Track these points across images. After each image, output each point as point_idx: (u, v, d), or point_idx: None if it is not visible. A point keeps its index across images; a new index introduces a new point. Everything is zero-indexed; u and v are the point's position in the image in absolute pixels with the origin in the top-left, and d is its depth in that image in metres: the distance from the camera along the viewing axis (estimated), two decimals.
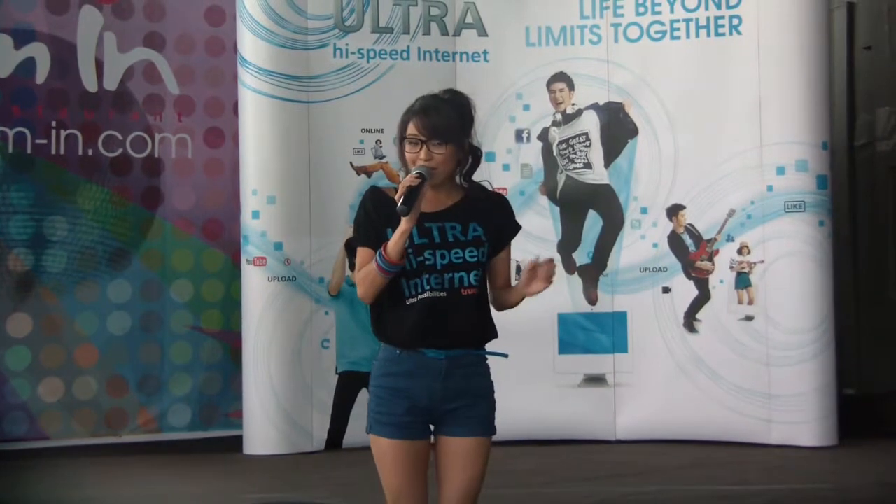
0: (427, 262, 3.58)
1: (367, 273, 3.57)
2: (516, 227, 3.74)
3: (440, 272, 3.58)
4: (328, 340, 7.12)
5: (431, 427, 3.65)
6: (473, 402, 3.64)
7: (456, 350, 3.61)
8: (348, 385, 7.15)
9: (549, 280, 3.57)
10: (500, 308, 3.73)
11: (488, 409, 3.68)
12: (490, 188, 3.75)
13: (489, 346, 3.70)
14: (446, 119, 3.59)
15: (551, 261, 3.61)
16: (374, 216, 3.61)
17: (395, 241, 3.51)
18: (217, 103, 7.86)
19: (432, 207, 3.61)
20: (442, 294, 3.58)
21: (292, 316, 7.03)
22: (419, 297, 3.58)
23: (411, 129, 3.60)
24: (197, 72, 7.82)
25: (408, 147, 3.60)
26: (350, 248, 3.86)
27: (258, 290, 7.02)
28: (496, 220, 3.68)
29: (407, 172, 3.59)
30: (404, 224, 3.49)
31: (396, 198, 3.49)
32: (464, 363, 3.62)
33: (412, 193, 3.47)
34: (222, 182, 7.79)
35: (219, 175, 7.83)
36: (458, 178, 3.67)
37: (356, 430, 6.78)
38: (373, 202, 3.63)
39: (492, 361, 3.70)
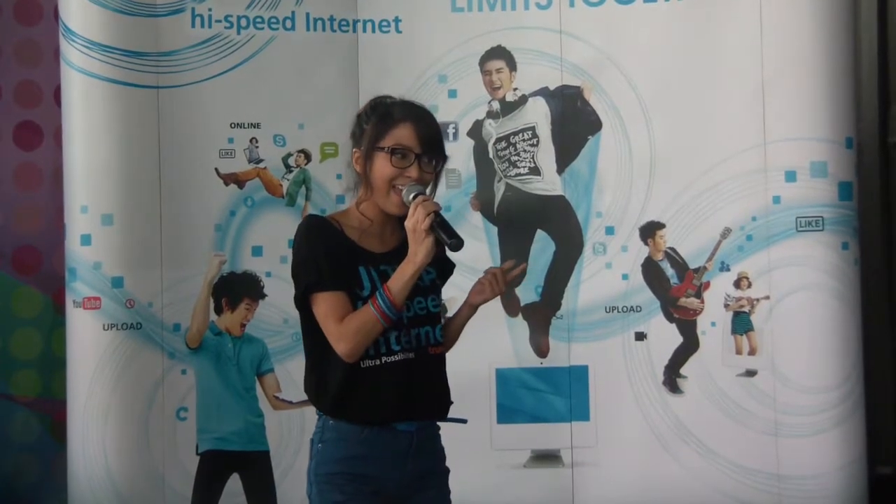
0: None
1: (362, 323, 3.38)
2: (452, 265, 3.74)
3: (407, 327, 3.49)
4: (186, 409, 6.31)
5: None
6: (433, 484, 3.59)
7: (425, 420, 3.56)
8: (213, 469, 6.32)
9: (500, 287, 3.68)
10: None
11: (447, 491, 3.65)
12: None
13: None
14: (440, 135, 3.53)
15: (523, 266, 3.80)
16: (335, 249, 3.43)
17: (408, 281, 3.37)
18: (32, 89, 6.97)
19: (380, 246, 3.53)
20: (411, 355, 3.48)
21: (137, 376, 6.20)
22: (383, 358, 3.46)
23: (402, 138, 3.47)
24: (3, 47, 6.91)
25: (393, 160, 3.46)
26: (300, 301, 3.45)
27: (90, 343, 6.18)
28: (440, 258, 3.58)
29: (366, 182, 3.49)
30: (423, 256, 3.34)
31: (423, 226, 3.34)
32: (429, 435, 3.58)
33: (445, 221, 3.37)
34: (40, 196, 6.90)
35: (35, 187, 6.93)
36: None
37: None
38: (324, 232, 3.44)
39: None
